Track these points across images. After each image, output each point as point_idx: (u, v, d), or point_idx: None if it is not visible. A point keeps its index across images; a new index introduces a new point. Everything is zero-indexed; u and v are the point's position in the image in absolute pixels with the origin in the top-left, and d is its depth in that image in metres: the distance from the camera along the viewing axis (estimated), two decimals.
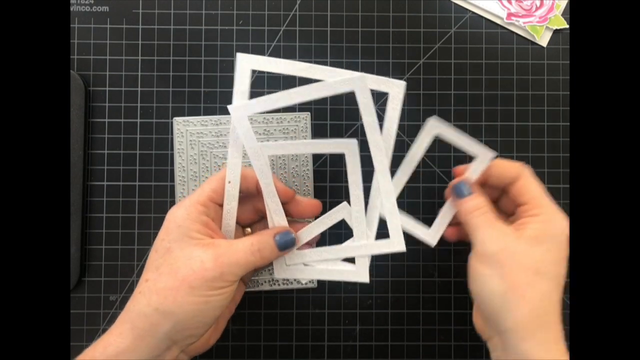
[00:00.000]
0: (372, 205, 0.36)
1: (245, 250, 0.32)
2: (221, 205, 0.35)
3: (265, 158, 0.34)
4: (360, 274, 0.36)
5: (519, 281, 0.31)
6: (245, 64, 0.33)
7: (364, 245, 0.36)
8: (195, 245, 0.32)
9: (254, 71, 0.34)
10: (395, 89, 0.34)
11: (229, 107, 0.33)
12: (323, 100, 0.42)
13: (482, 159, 0.36)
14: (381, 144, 0.34)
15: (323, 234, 0.37)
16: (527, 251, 0.32)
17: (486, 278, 0.32)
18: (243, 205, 0.36)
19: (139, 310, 0.31)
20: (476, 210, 0.34)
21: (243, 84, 0.33)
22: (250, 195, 0.36)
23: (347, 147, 0.34)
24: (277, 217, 0.35)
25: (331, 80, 0.33)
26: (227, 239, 0.34)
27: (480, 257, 0.33)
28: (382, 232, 0.36)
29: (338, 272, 0.36)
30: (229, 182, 0.34)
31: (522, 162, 0.35)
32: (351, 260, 0.36)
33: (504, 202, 0.37)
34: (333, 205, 0.36)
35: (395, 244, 0.36)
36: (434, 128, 0.36)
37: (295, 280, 0.42)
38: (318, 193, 0.42)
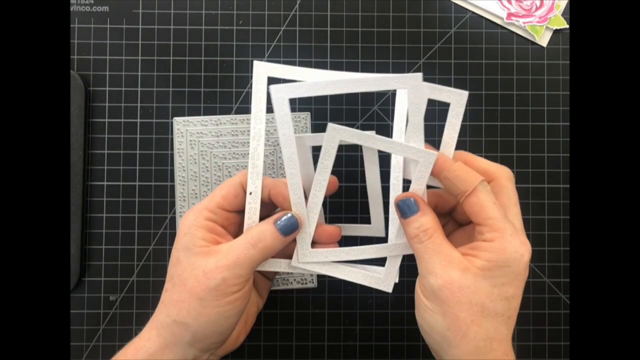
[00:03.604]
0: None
1: (243, 246, 0.30)
2: (230, 212, 0.33)
3: (294, 147, 0.31)
4: (385, 282, 0.33)
5: (462, 319, 0.28)
6: (262, 71, 0.33)
7: (392, 246, 0.33)
8: (197, 254, 0.31)
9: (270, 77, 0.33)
10: (456, 97, 0.32)
11: (270, 87, 0.31)
12: (323, 100, 0.42)
13: (424, 162, 0.31)
14: (422, 146, 0.31)
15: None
16: (474, 286, 0.28)
17: (427, 312, 0.30)
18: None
19: (162, 320, 0.31)
20: (421, 234, 0.30)
21: (260, 90, 0.33)
22: (269, 205, 0.34)
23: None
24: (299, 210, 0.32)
25: (387, 75, 0.31)
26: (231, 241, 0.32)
27: (424, 289, 0.30)
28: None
29: (362, 276, 0.33)
30: (250, 193, 0.32)
31: (499, 166, 0.31)
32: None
33: (461, 210, 0.32)
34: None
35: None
36: (337, 133, 0.31)
37: (302, 280, 0.42)
38: None
